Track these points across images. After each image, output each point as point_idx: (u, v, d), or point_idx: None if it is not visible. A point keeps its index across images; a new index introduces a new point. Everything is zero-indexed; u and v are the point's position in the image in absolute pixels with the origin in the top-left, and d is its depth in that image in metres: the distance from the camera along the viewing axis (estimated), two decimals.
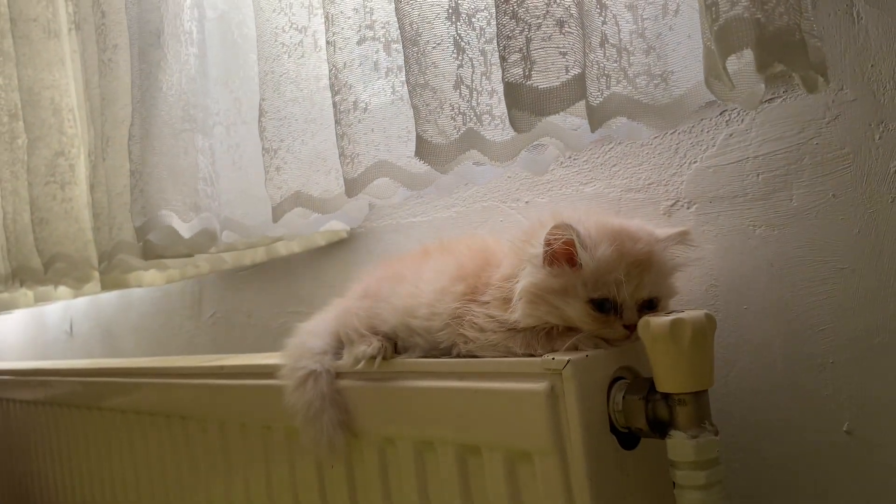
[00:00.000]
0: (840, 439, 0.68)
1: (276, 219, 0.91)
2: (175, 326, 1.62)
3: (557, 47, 0.57)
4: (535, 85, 0.57)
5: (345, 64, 0.79)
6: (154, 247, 1.00)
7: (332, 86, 0.80)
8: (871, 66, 0.65)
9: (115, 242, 1.08)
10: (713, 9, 0.49)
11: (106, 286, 1.43)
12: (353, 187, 0.79)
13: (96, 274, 1.30)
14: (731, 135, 0.74)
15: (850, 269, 0.67)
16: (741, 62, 0.53)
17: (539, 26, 0.56)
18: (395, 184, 0.80)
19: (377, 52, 0.79)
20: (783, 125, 0.70)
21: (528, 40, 0.57)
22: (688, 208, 0.77)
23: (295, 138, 0.89)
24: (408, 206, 1.08)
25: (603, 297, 0.66)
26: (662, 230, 0.70)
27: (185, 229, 0.98)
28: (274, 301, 1.33)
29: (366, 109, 0.79)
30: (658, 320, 0.62)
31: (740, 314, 0.74)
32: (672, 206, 0.78)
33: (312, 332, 0.87)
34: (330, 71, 0.80)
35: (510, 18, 0.57)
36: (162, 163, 0.98)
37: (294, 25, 0.89)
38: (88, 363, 1.60)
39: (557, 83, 0.57)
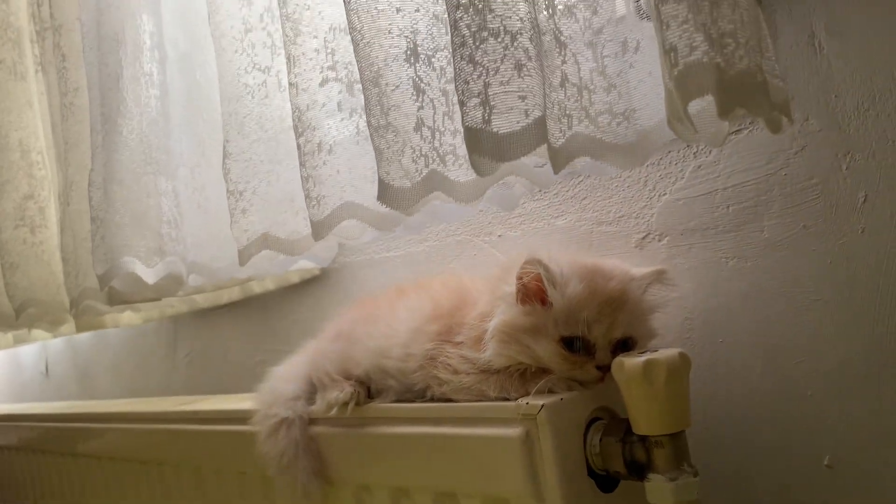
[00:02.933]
0: (822, 472, 0.67)
1: (242, 262, 0.88)
2: (151, 366, 1.59)
3: (517, 91, 0.56)
4: (495, 130, 0.55)
5: (308, 105, 0.78)
6: (119, 293, 0.97)
7: (295, 127, 0.78)
8: (835, 96, 0.65)
9: (81, 289, 1.06)
10: (672, 54, 0.48)
11: (81, 328, 1.40)
12: (319, 230, 0.77)
13: (69, 315, 1.28)
14: (699, 167, 0.73)
15: (825, 301, 0.66)
16: (704, 101, 0.53)
17: (497, 70, 0.55)
18: (363, 225, 0.78)
19: (340, 92, 0.77)
20: (751, 156, 0.70)
21: (487, 85, 0.55)
22: (659, 241, 0.76)
23: (261, 180, 0.87)
24: (381, 241, 1.06)
25: (573, 335, 0.65)
26: (639, 269, 0.69)
27: (149, 275, 0.96)
28: (249, 339, 1.31)
29: (331, 151, 0.77)
30: (631, 361, 0.61)
31: (717, 347, 0.73)
32: (643, 238, 0.78)
33: (284, 377, 0.85)
34: (293, 112, 0.78)
35: (467, 63, 0.56)
36: (124, 208, 0.96)
37: (257, 66, 0.87)
38: (62, 406, 1.57)
39: (518, 128, 0.56)
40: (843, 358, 0.65)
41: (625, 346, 0.66)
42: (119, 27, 0.99)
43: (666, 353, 0.62)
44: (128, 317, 1.43)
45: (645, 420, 0.61)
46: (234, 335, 1.35)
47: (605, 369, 0.64)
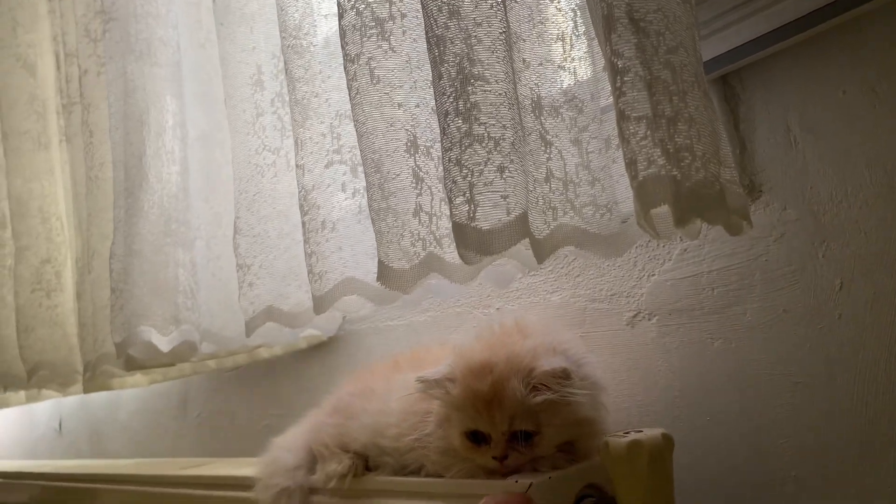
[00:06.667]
0: None
1: (248, 333, 0.92)
2: (162, 426, 1.61)
3: (499, 191, 0.60)
4: (478, 226, 0.59)
5: (313, 185, 0.82)
6: (135, 359, 1.01)
7: (301, 206, 0.82)
8: (811, 187, 0.68)
9: (98, 354, 1.10)
10: (632, 166, 0.52)
11: (89, 389, 1.43)
12: (320, 304, 0.81)
13: (80, 377, 1.31)
14: (685, 250, 0.76)
15: (805, 384, 0.68)
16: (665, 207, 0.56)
17: (481, 172, 0.59)
18: (362, 299, 0.81)
19: (344, 174, 0.82)
20: (733, 242, 0.73)
21: (472, 185, 0.59)
22: (649, 320, 0.79)
23: (268, 254, 0.91)
24: (385, 311, 1.09)
25: (471, 430, 0.68)
26: (542, 363, 0.67)
27: (163, 343, 0.99)
28: (257, 403, 1.33)
29: (333, 228, 0.81)
30: (616, 442, 0.63)
31: (704, 425, 0.75)
32: (634, 317, 0.80)
33: (285, 447, 0.87)
34: (299, 192, 0.83)
35: (454, 165, 0.60)
36: (143, 279, 1.00)
37: (267, 147, 0.92)
38: (73, 466, 1.59)
39: (499, 225, 0.60)
40: (826, 440, 0.67)
41: (525, 436, 0.67)
42: (144, 108, 1.06)
43: (650, 433, 0.64)
44: (136, 378, 1.46)
45: (630, 499, 0.63)
46: (241, 399, 1.37)
47: (502, 458, 0.66)
